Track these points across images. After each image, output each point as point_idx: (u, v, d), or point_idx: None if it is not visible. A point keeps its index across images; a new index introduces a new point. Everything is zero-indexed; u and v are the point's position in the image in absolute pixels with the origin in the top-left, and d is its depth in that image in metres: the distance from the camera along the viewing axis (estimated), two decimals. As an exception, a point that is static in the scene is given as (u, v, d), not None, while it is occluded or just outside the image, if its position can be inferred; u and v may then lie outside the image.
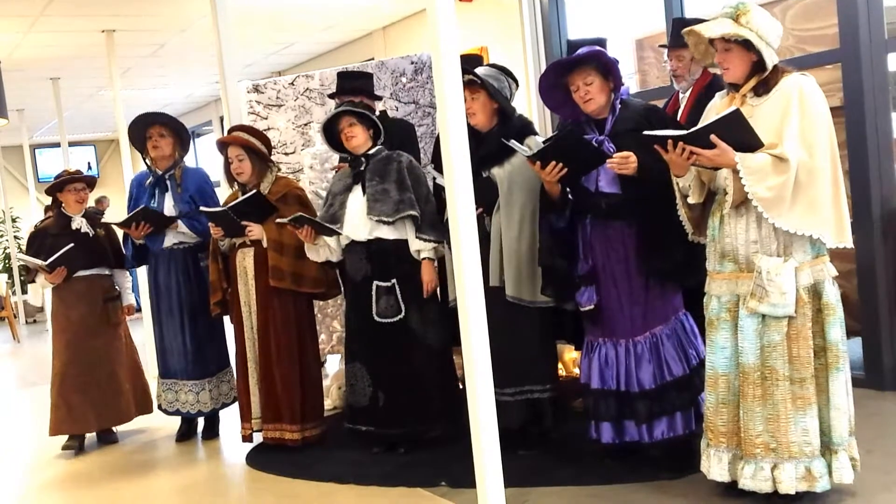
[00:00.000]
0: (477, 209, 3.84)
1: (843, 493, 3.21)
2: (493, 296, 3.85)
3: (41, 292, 8.93)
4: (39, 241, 5.15)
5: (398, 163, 4.25)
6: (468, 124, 3.33)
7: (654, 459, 3.65)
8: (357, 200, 4.26)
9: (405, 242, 4.23)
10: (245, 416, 4.64)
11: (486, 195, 3.89)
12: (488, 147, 3.97)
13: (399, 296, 4.21)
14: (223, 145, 4.60)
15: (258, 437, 4.67)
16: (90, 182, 5.26)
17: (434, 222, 4.20)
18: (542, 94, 3.74)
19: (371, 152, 4.29)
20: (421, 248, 4.19)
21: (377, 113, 4.66)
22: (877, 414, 4.13)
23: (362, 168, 4.29)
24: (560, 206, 3.69)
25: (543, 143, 3.71)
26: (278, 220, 4.35)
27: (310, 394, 4.58)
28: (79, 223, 5.13)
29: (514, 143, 3.68)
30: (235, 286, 4.62)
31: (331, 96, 4.99)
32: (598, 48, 3.59)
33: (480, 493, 3.09)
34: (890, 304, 4.52)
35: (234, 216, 4.42)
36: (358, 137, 4.27)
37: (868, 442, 3.65)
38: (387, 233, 4.21)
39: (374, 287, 4.24)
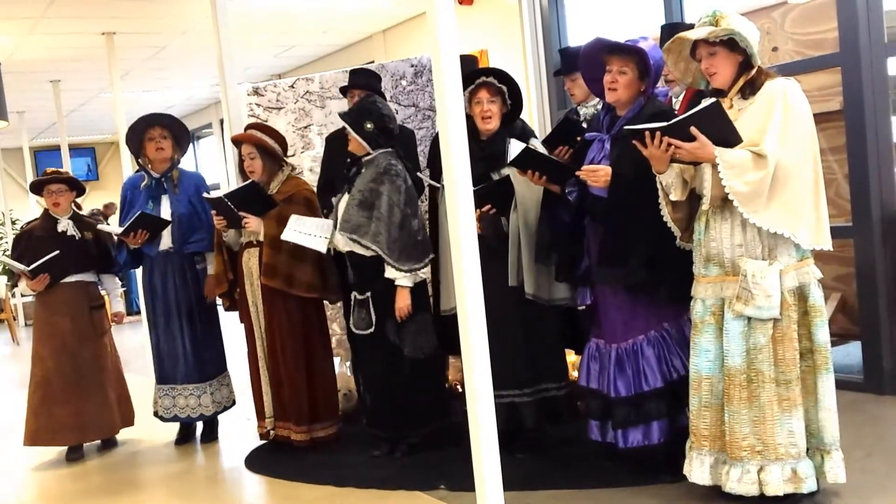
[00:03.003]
0: (491, 210, 3.86)
1: (840, 495, 3.20)
2: (511, 296, 3.86)
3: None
4: (24, 244, 4.95)
5: (381, 185, 4.09)
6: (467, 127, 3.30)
7: (655, 462, 3.64)
8: (343, 209, 4.21)
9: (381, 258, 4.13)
10: (260, 413, 4.65)
11: (502, 195, 3.88)
12: (495, 148, 3.93)
13: (372, 309, 4.17)
14: (237, 143, 4.67)
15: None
16: (72, 184, 5.01)
17: (406, 248, 4.07)
18: (582, 64, 3.69)
19: (366, 158, 4.22)
20: (395, 276, 4.10)
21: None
22: (877, 418, 4.13)
23: (354, 174, 4.23)
24: (563, 200, 3.68)
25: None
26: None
27: (320, 395, 4.55)
28: (65, 226, 4.95)
29: (512, 142, 3.67)
30: (244, 286, 4.62)
31: (342, 90, 4.94)
32: (654, 45, 3.49)
33: (479, 497, 3.08)
34: (890, 308, 4.51)
35: (230, 205, 4.40)
36: (352, 142, 4.26)
37: (868, 446, 3.65)
38: (361, 249, 4.13)
39: (352, 298, 4.26)
